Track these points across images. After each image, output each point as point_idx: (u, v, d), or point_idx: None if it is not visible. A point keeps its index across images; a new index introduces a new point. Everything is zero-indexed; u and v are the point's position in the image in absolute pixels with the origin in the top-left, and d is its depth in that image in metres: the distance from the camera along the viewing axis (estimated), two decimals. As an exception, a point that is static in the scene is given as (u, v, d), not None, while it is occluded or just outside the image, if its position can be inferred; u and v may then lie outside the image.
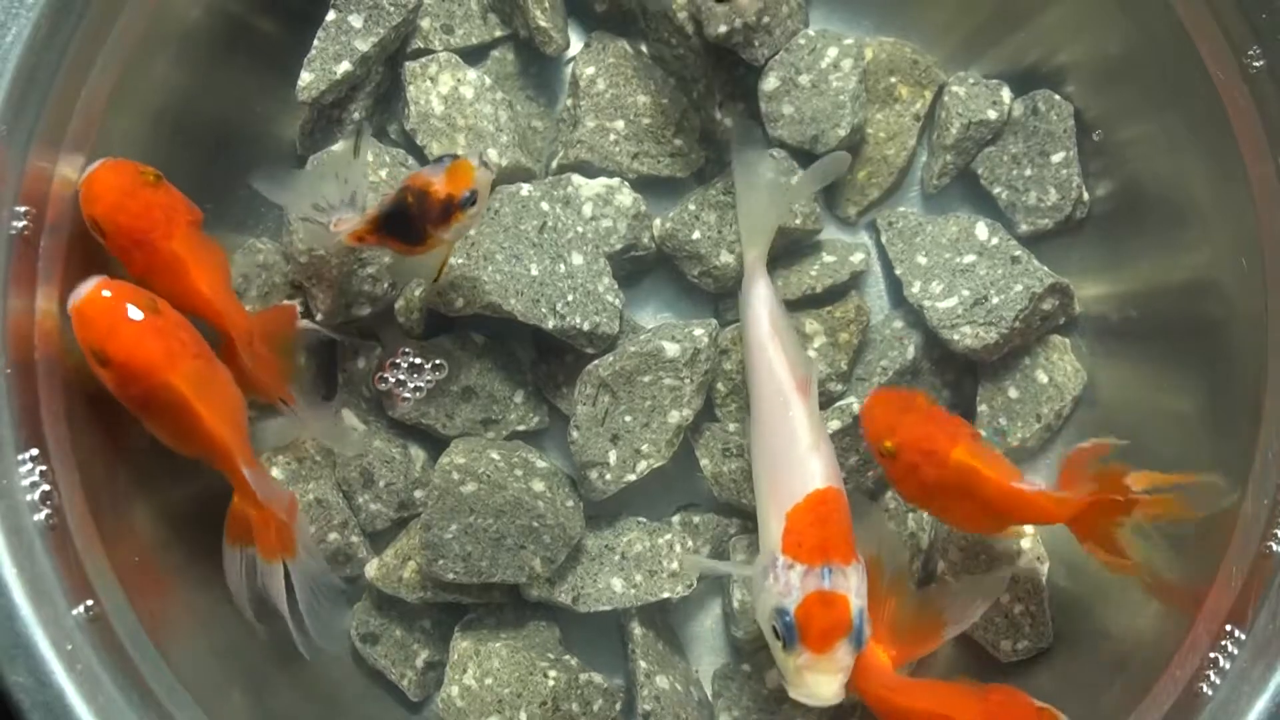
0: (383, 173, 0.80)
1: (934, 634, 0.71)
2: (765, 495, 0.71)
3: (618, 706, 0.79)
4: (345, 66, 0.80)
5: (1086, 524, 0.68)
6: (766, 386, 0.74)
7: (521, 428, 0.82)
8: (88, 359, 0.66)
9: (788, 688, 0.67)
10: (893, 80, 0.86)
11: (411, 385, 0.80)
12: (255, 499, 0.69)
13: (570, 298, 0.78)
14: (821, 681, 0.65)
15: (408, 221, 0.68)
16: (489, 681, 0.77)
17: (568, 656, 0.80)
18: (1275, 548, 0.66)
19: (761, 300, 0.77)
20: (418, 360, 0.80)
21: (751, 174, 0.79)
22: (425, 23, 0.85)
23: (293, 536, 0.71)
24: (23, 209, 0.66)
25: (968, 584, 0.76)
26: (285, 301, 0.80)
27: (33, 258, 0.67)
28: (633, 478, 0.78)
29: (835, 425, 0.78)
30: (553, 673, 0.77)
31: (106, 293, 0.66)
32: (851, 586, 0.66)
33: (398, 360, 0.80)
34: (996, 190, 0.86)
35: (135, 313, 0.66)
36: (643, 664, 0.78)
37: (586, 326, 0.79)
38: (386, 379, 0.80)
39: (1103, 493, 0.67)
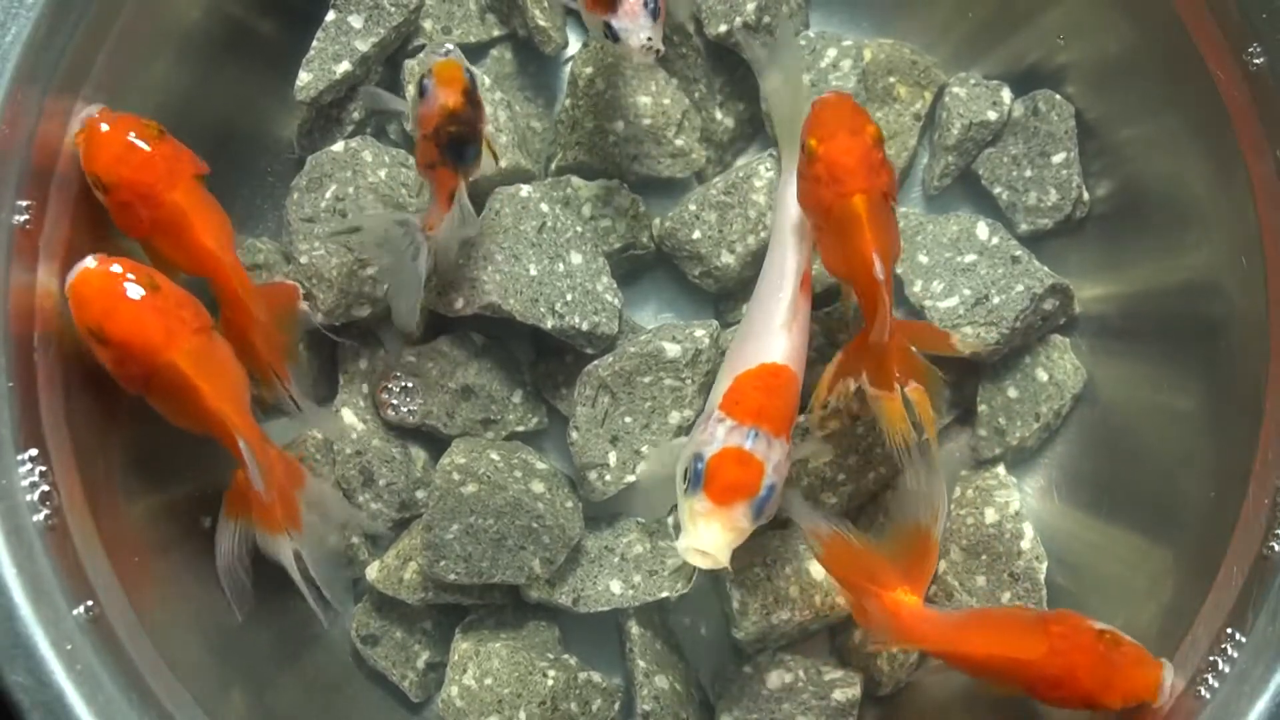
0: (381, 173, 0.80)
1: (925, 545, 0.70)
2: (725, 365, 0.72)
3: (616, 706, 0.79)
4: (345, 67, 0.80)
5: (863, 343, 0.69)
6: (774, 269, 0.74)
7: (520, 428, 0.82)
8: (86, 339, 0.66)
9: (680, 538, 0.66)
10: (891, 80, 0.86)
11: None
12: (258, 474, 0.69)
13: (569, 297, 0.78)
14: (712, 531, 0.64)
15: (467, 143, 0.68)
16: (489, 681, 0.77)
17: (567, 656, 0.80)
18: (1276, 548, 0.66)
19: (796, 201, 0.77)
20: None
21: (778, 76, 0.79)
22: (426, 24, 0.85)
23: (296, 509, 0.71)
24: (25, 203, 0.66)
25: (905, 482, 0.75)
26: (286, 280, 0.79)
27: (34, 254, 0.67)
28: (632, 478, 0.78)
29: (834, 426, 0.78)
30: (552, 672, 0.77)
31: (104, 269, 0.66)
32: (772, 459, 0.66)
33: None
34: (997, 190, 0.86)
35: (134, 290, 0.66)
36: (641, 663, 0.78)
37: (585, 326, 0.79)
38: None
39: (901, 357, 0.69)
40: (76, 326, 0.66)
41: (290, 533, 0.71)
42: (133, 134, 0.68)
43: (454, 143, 0.68)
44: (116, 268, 0.66)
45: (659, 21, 0.69)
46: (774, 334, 0.71)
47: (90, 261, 0.66)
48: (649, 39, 0.68)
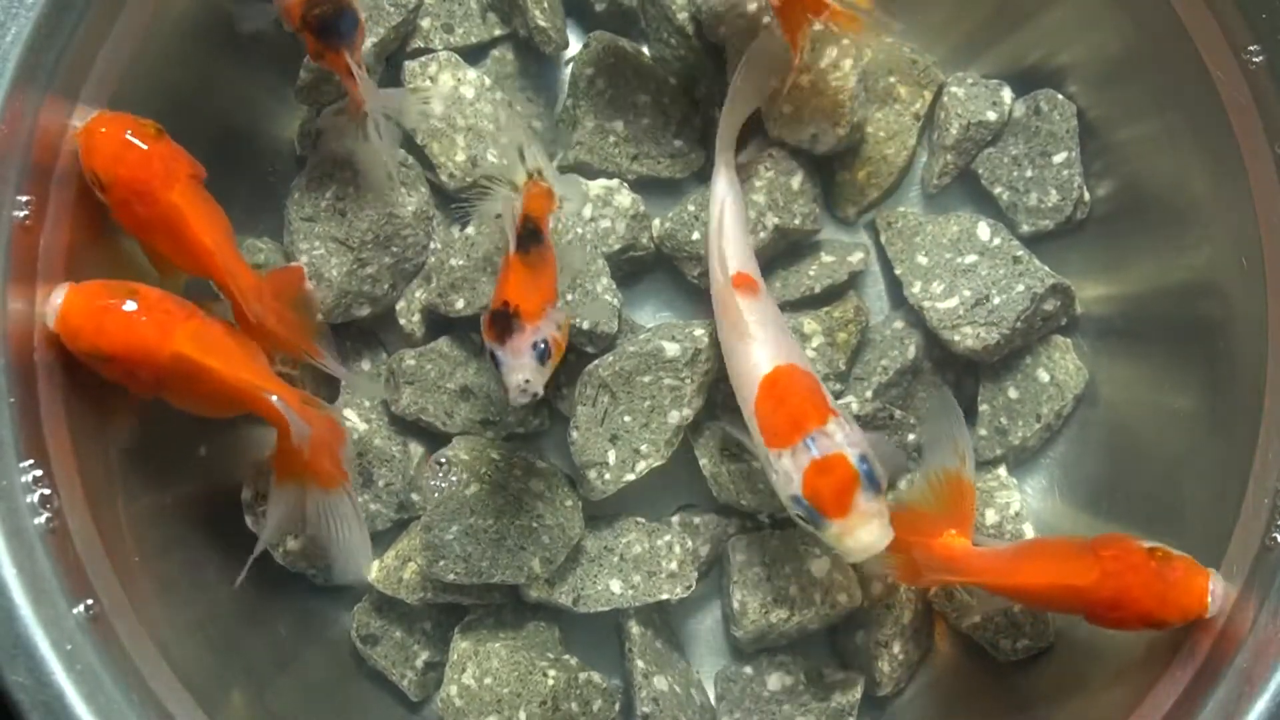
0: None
1: (960, 488, 0.71)
2: (737, 396, 0.73)
3: (616, 706, 0.79)
4: (345, 67, 0.80)
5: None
6: (712, 287, 0.75)
7: (521, 430, 0.82)
8: (88, 363, 0.66)
9: (844, 558, 0.69)
10: (892, 80, 0.86)
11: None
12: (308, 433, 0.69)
13: (569, 297, 0.78)
14: (862, 534, 0.65)
15: (337, 18, 0.69)
16: (488, 681, 0.77)
17: (567, 656, 0.80)
18: (1276, 543, 0.66)
19: (716, 198, 0.78)
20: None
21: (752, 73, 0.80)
22: (425, 22, 0.85)
23: (341, 464, 0.72)
24: (25, 199, 0.66)
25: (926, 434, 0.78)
26: (291, 264, 0.80)
27: (33, 255, 0.67)
28: (632, 478, 0.78)
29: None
30: (552, 672, 0.77)
31: (82, 293, 0.66)
32: (839, 441, 0.66)
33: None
34: (997, 191, 0.85)
35: (116, 304, 0.66)
36: (640, 664, 0.78)
37: (585, 326, 0.79)
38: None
39: None
40: (76, 355, 0.66)
41: (345, 486, 0.72)
42: (130, 133, 0.68)
43: (324, 24, 0.69)
44: (93, 290, 0.66)
45: (546, 365, 0.64)
46: (748, 351, 0.71)
47: (64, 291, 0.66)
48: (527, 381, 0.63)
